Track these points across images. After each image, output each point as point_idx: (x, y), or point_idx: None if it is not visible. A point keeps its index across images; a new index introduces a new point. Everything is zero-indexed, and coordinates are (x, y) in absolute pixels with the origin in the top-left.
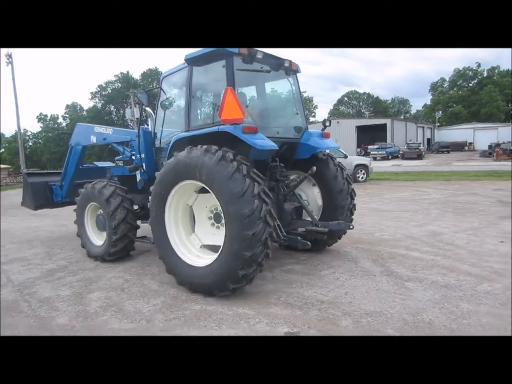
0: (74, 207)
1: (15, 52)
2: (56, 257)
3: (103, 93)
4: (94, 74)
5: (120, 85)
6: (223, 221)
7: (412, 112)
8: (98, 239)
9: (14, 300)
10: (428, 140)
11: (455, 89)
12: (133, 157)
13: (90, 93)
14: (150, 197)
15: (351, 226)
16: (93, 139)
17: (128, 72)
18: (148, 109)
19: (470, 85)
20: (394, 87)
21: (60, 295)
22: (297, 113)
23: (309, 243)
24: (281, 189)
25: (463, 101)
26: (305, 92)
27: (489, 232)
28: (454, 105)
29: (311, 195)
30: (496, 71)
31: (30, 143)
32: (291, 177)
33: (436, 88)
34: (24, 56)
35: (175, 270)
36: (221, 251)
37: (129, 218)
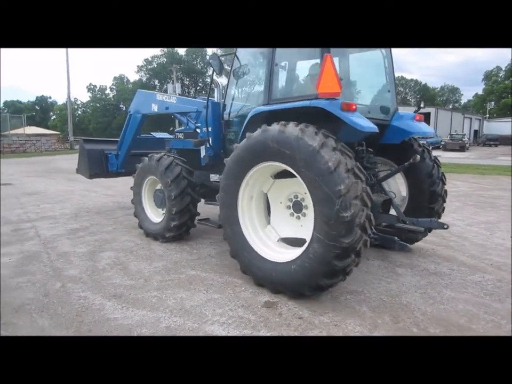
0: (128, 179)
1: None
2: (81, 219)
3: (149, 66)
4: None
5: (165, 59)
6: (304, 210)
7: (461, 101)
8: (156, 216)
9: (37, 251)
10: (475, 131)
11: (511, 79)
12: (198, 130)
13: (137, 66)
14: (219, 185)
15: (445, 226)
16: (154, 108)
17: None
18: (215, 78)
19: None
20: (446, 74)
21: (76, 251)
22: (388, 91)
23: (408, 245)
24: (368, 178)
25: None
26: None
27: (503, 227)
28: (509, 96)
29: (394, 185)
30: None
31: (79, 112)
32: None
33: (490, 78)
34: None
35: (252, 268)
36: (309, 242)
37: (190, 190)
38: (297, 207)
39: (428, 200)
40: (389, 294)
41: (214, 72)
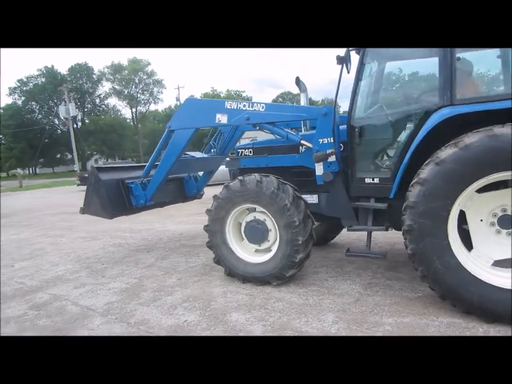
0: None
1: None
2: (110, 273)
3: (24, 88)
4: (10, 68)
5: (44, 79)
6: None
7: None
8: (249, 255)
9: (128, 332)
10: None
11: None
12: (305, 142)
13: (8, 88)
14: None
15: None
16: (222, 119)
17: (53, 66)
18: (301, 79)
19: None
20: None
21: (188, 321)
22: None
23: None
24: None
25: None
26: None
27: None
28: None
29: None
30: None
31: None
32: None
33: None
34: None
35: (487, 305)
36: None
37: (309, 212)
38: (504, 222)
39: None
40: None
41: (343, 71)
